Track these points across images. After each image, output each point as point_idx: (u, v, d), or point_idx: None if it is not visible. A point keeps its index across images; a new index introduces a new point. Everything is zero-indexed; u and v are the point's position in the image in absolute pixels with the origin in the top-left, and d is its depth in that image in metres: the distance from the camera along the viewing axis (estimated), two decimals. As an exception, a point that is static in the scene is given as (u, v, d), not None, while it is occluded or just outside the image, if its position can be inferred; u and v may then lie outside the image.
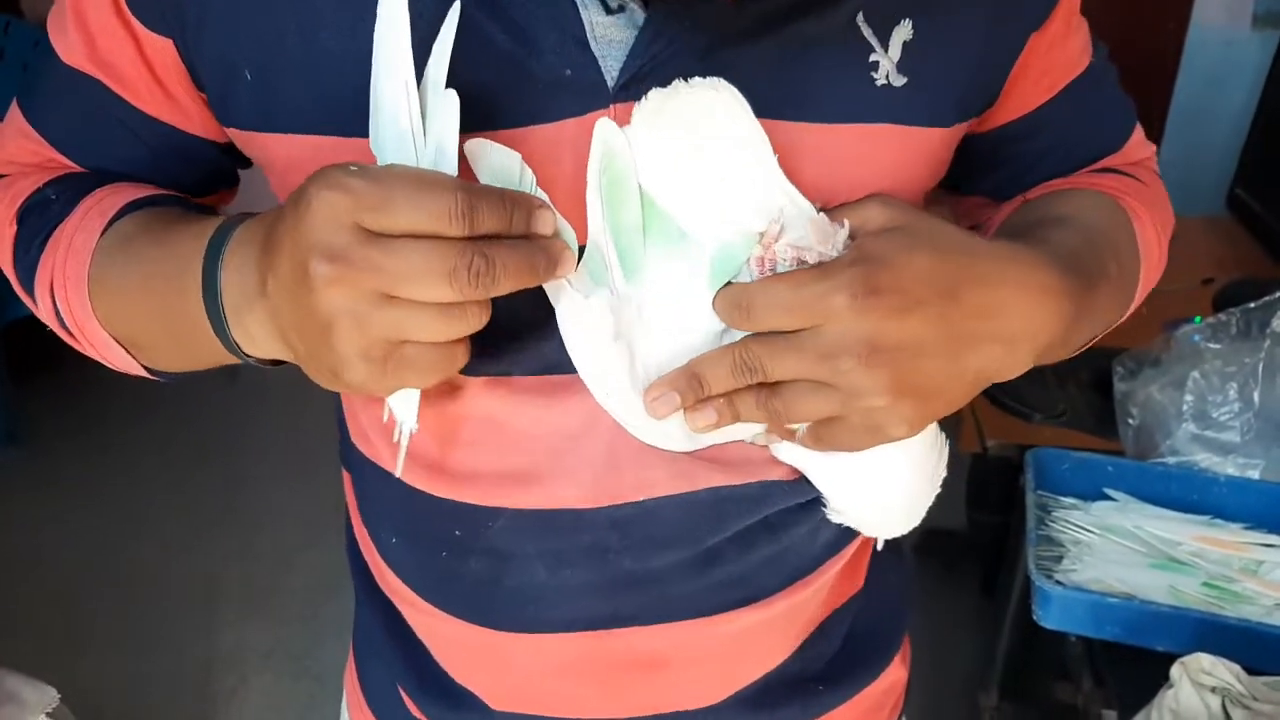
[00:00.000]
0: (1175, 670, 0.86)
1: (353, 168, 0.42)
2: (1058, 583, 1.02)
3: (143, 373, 0.61)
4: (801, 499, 0.60)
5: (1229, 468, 1.16)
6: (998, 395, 1.37)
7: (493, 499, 0.58)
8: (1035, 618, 1.02)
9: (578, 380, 0.51)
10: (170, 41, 0.53)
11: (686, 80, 0.47)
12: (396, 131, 0.45)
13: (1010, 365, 0.50)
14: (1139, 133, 0.71)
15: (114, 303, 0.56)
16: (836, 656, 0.69)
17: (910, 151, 0.55)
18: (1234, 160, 1.94)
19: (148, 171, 0.60)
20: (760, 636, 0.64)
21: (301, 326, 0.44)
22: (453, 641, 0.66)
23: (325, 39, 0.49)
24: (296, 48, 0.50)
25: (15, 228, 0.59)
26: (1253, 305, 1.22)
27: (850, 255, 0.47)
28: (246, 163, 0.61)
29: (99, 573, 2.41)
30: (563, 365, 0.51)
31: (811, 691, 0.68)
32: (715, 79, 0.47)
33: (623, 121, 0.48)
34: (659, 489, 0.57)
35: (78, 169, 0.61)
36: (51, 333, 0.62)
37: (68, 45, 0.56)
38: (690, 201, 0.48)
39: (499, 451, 0.57)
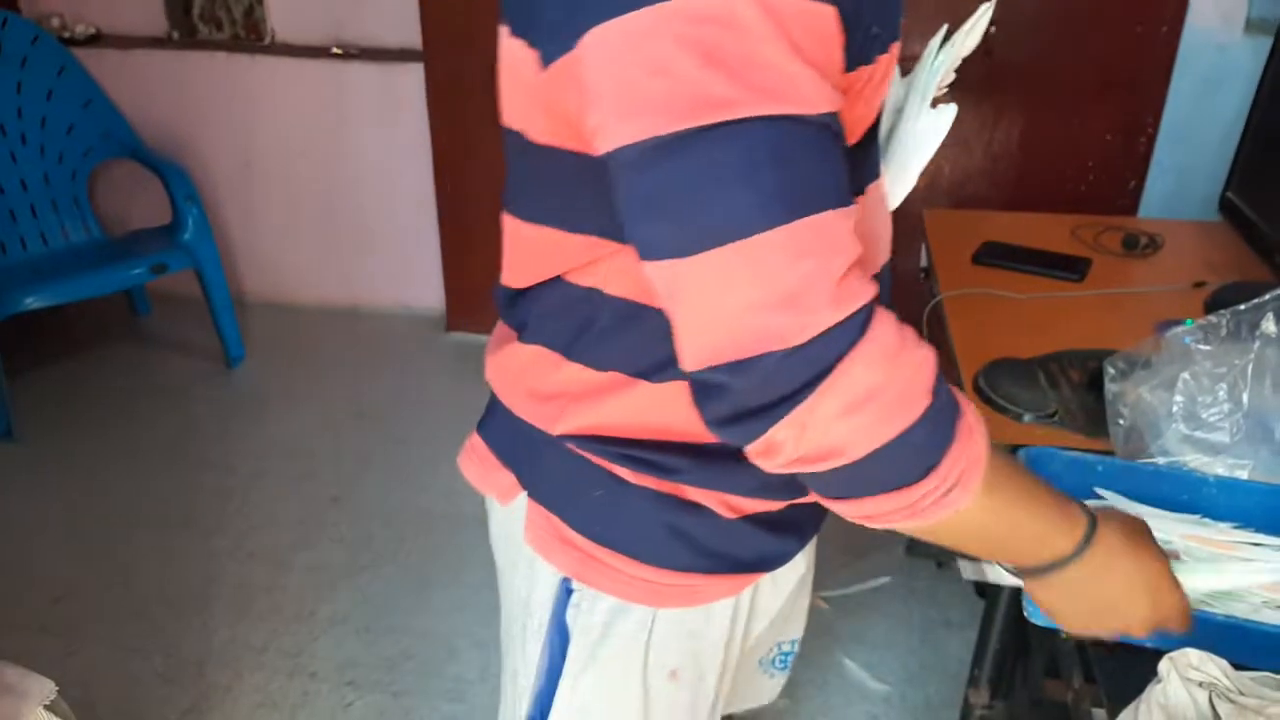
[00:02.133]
0: (1163, 666, 0.87)
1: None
2: (1048, 580, 1.02)
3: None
4: None
5: (1218, 468, 1.16)
6: (990, 395, 1.38)
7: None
8: (1026, 615, 1.03)
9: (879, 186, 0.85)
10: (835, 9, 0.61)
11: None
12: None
13: None
14: None
15: (978, 518, 0.69)
16: None
17: None
18: (1226, 165, 1.95)
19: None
20: None
21: (1104, 605, 0.80)
22: None
23: None
24: None
25: (930, 400, 0.64)
26: (1242, 307, 1.22)
27: None
28: None
29: (93, 570, 2.42)
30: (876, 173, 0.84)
31: None
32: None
33: None
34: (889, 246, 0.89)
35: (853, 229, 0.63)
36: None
37: (803, 98, 0.59)
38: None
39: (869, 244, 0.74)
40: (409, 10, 3.07)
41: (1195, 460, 1.17)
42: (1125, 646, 1.00)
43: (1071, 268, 1.78)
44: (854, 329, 0.60)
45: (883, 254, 0.87)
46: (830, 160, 0.61)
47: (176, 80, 3.41)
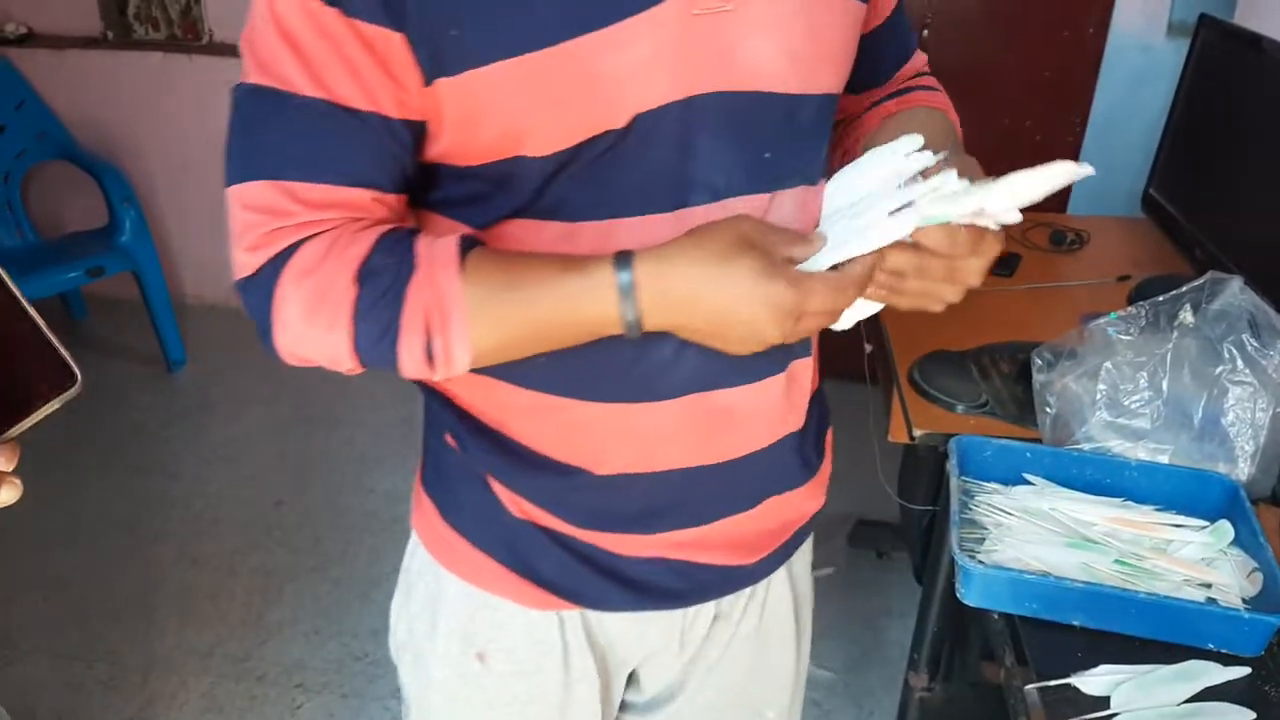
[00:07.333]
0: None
1: (781, 284, 0.69)
2: (979, 562, 1.06)
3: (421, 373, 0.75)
4: None
5: (1140, 453, 1.21)
6: (924, 387, 1.42)
7: None
8: (959, 595, 1.07)
9: None
10: (400, 34, 0.68)
11: None
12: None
13: None
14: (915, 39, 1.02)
15: (494, 336, 0.73)
16: (813, 431, 0.98)
17: (851, 21, 0.81)
18: (1149, 163, 2.01)
19: (372, 177, 0.74)
20: (788, 396, 0.90)
21: (725, 339, 0.73)
22: (574, 425, 0.84)
23: None
24: None
25: (357, 289, 0.72)
26: (1161, 299, 1.27)
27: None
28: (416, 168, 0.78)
29: (32, 578, 2.38)
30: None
31: (811, 450, 0.98)
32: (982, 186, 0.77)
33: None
34: None
35: (315, 200, 0.73)
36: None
37: (292, 80, 0.70)
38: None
39: None
40: (349, 11, 3.05)
41: (1118, 446, 1.22)
42: (1055, 625, 1.05)
43: (1001, 263, 1.83)
44: (279, 264, 0.75)
45: None
46: (300, 136, 0.72)
47: (112, 81, 3.36)
